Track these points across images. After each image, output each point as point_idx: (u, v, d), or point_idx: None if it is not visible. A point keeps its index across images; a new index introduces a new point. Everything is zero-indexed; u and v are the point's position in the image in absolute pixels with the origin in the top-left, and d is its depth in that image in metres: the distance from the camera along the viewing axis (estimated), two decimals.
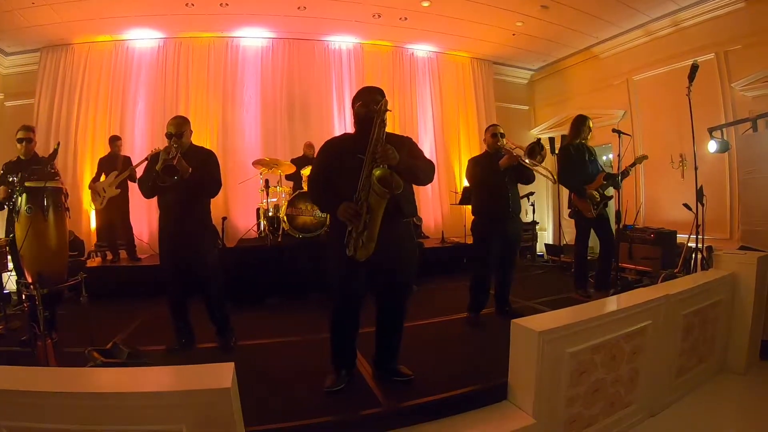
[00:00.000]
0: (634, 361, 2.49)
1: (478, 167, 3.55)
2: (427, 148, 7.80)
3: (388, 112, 2.21)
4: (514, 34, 6.97)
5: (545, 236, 8.38)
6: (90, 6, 5.49)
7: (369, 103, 2.35)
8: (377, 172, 2.15)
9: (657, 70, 6.34)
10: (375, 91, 2.44)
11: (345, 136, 2.66)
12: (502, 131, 3.56)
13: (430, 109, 7.92)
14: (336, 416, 2.13)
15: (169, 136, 2.94)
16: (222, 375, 1.62)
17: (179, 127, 2.97)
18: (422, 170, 2.43)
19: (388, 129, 2.26)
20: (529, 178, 3.50)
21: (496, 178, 3.43)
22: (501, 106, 8.48)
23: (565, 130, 4.36)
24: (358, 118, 2.43)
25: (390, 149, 2.17)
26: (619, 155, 3.98)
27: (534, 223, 7.30)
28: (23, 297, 3.24)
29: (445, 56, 8.05)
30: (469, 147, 7.99)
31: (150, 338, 3.28)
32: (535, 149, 3.39)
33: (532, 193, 7.18)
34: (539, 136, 8.42)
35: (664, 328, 2.62)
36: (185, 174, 2.83)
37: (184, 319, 3.11)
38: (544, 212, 8.48)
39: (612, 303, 2.59)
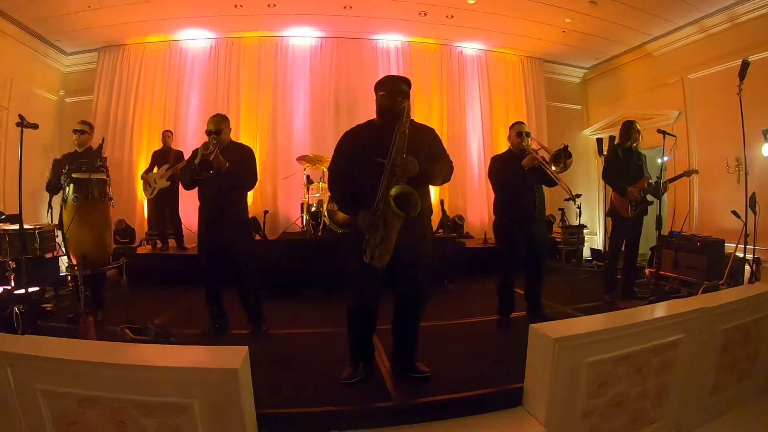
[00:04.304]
0: (662, 375, 2.36)
1: (500, 166, 3.47)
2: (475, 147, 7.72)
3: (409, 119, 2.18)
4: (563, 31, 6.75)
5: (595, 240, 8.06)
6: (143, 8, 5.82)
7: (393, 94, 2.31)
8: (394, 191, 2.13)
9: (712, 69, 5.92)
10: (400, 81, 2.38)
11: (367, 125, 2.49)
12: (527, 130, 3.46)
13: (479, 107, 7.78)
14: (347, 406, 2.17)
15: (208, 132, 3.11)
16: (234, 357, 1.71)
17: (218, 125, 3.13)
18: (440, 174, 2.41)
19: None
20: (550, 182, 3.38)
21: (520, 178, 3.33)
22: (552, 106, 8.21)
23: (618, 131, 4.27)
24: (381, 108, 2.38)
25: (410, 161, 2.15)
26: (663, 158, 3.79)
27: (581, 226, 7.03)
28: (69, 278, 3.52)
29: (494, 54, 7.88)
30: None
31: (188, 322, 3.48)
32: (561, 156, 3.28)
33: (579, 195, 6.93)
34: (592, 136, 8.17)
35: (699, 343, 2.45)
36: (221, 168, 2.97)
37: (219, 305, 3.28)
38: (594, 216, 8.16)
39: (640, 313, 2.45)
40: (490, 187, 7.29)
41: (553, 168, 3.26)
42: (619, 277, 4.22)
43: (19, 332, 2.09)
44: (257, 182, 3.33)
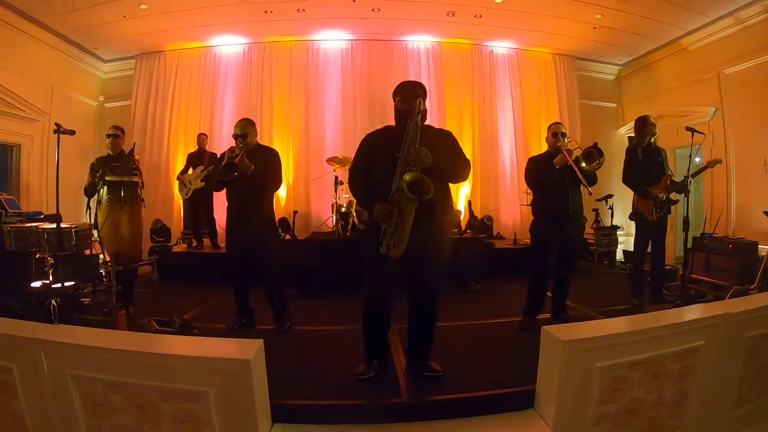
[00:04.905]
0: (681, 383, 2.27)
1: (536, 167, 3.46)
2: (507, 147, 7.65)
3: (423, 112, 2.26)
4: (594, 28, 6.60)
5: (630, 242, 7.78)
6: (177, 17, 6.08)
7: (408, 99, 2.39)
8: (407, 177, 2.20)
9: (749, 63, 5.65)
10: (415, 86, 2.48)
11: (385, 130, 2.64)
12: (563, 131, 3.42)
13: (511, 107, 7.70)
14: (357, 401, 2.24)
15: (235, 137, 3.24)
16: (248, 349, 1.79)
17: (244, 129, 3.25)
18: (456, 170, 2.46)
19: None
20: (589, 180, 3.29)
21: (555, 178, 3.30)
22: (586, 104, 8.02)
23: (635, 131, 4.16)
24: (398, 114, 2.48)
25: (423, 152, 2.22)
26: (689, 156, 3.67)
27: (613, 227, 6.85)
28: (103, 273, 3.77)
29: (526, 53, 7.77)
30: None
31: (217, 317, 3.63)
32: (594, 154, 3.21)
33: (610, 196, 6.75)
34: (627, 134, 7.92)
35: (721, 350, 2.35)
36: (247, 171, 3.10)
37: (245, 302, 3.42)
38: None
39: (656, 318, 2.39)
40: (522, 187, 7.40)
41: (583, 165, 3.20)
42: (650, 279, 4.11)
43: (55, 323, 2.27)
44: (282, 183, 3.44)
